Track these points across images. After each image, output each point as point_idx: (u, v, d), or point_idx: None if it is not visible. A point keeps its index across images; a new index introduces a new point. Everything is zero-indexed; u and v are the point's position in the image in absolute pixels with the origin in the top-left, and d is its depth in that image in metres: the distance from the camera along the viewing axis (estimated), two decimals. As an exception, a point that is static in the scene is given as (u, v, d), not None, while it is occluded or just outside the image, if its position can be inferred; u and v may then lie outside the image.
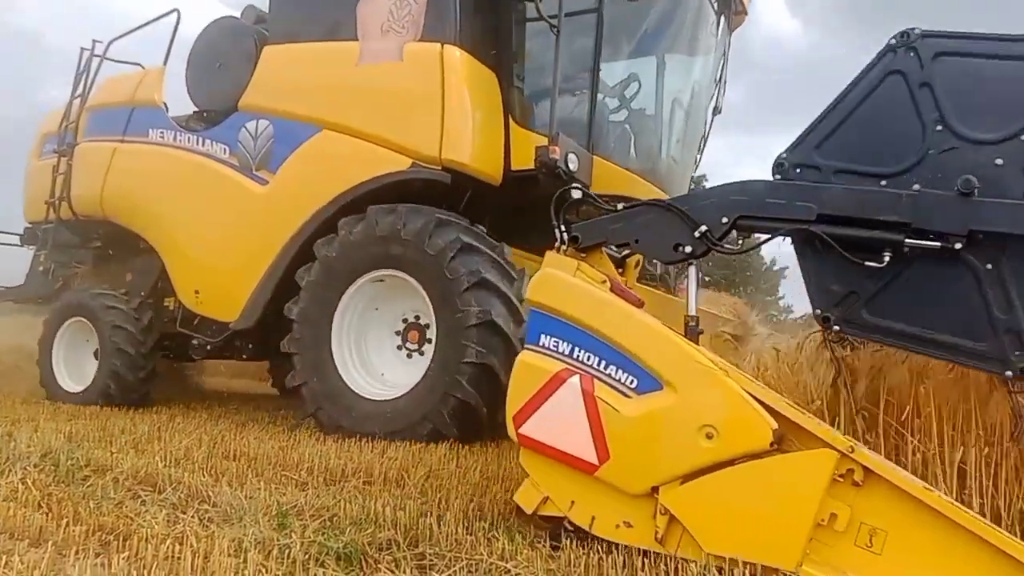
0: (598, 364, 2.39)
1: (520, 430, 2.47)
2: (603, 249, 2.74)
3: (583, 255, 2.68)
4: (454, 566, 2.28)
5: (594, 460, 2.34)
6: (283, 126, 5.57)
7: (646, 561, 2.25)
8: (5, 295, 8.25)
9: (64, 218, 7.05)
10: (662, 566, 2.21)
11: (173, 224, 6.09)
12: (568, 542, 2.39)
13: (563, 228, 2.66)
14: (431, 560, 2.34)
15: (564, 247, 2.66)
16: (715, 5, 5.77)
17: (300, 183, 5.44)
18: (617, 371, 2.36)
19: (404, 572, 2.23)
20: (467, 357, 4.38)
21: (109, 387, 6.10)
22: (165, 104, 6.45)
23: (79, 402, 6.12)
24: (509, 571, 2.22)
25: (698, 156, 6.21)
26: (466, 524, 2.63)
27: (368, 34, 5.34)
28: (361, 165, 5.14)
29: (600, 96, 5.30)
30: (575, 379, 2.40)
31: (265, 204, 5.56)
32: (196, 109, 6.41)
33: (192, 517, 2.69)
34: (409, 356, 4.97)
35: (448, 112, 4.95)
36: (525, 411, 2.46)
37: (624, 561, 2.25)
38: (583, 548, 2.33)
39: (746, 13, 5.92)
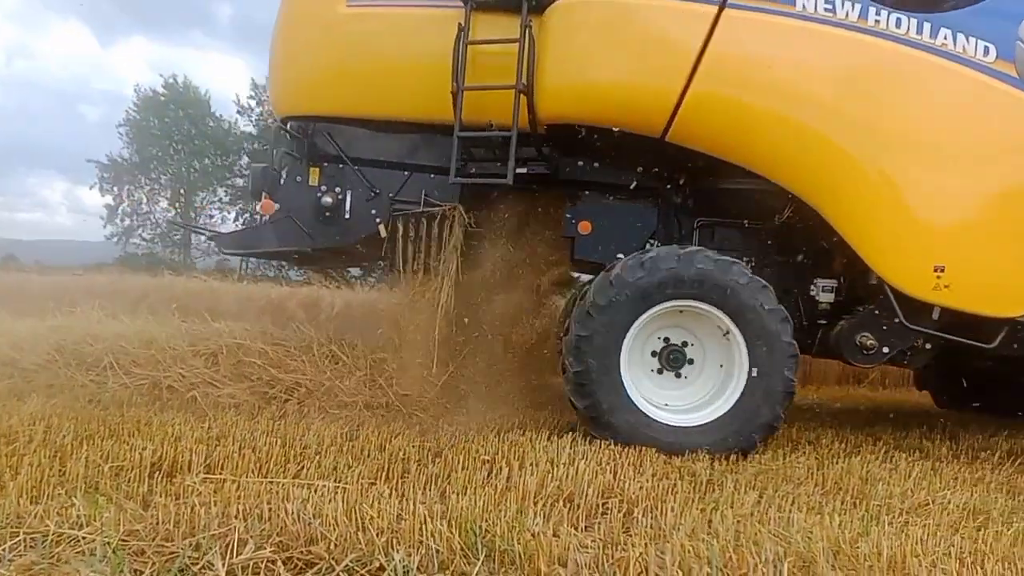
0: None
1: None
2: None
3: None
4: (5, 544, 2.07)
5: None
6: None
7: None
8: (241, 243, 5.16)
9: (488, 126, 4.43)
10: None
11: (873, 163, 4.10)
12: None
13: None
14: (-23, 542, 2.11)
15: None
16: None
17: None
18: None
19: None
20: None
21: (771, 425, 4.16)
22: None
23: (696, 445, 3.97)
24: (80, 540, 2.06)
25: None
26: (35, 495, 2.48)
27: None
28: None
29: None
30: None
31: None
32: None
33: None
34: None
35: None
36: None
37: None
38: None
39: None
